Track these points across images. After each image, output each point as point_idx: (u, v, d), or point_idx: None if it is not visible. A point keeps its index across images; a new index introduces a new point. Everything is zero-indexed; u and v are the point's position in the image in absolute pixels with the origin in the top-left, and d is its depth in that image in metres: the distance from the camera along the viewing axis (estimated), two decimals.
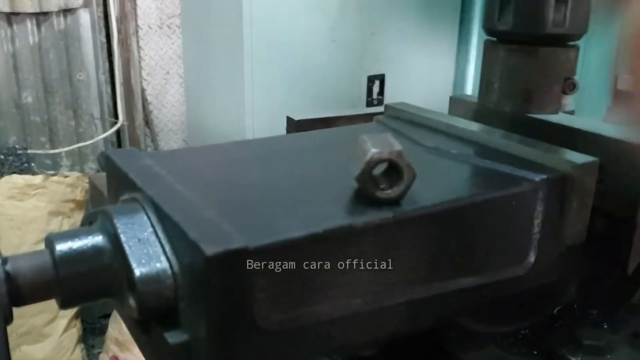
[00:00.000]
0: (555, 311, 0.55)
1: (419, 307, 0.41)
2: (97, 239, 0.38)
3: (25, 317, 2.13)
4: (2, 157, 2.21)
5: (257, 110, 2.04)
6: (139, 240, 0.37)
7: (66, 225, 2.15)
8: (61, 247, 0.37)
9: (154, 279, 0.36)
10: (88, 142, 2.36)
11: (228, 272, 0.33)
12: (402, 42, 2.17)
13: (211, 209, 0.38)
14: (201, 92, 2.37)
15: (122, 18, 2.29)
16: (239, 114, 2.05)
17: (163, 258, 0.37)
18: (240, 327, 0.34)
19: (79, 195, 2.21)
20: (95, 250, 0.38)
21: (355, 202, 0.41)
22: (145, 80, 2.42)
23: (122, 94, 2.37)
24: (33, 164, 2.26)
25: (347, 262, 0.38)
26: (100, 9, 2.29)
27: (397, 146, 0.39)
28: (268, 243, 0.35)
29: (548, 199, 0.45)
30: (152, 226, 0.38)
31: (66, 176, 2.23)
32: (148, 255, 0.37)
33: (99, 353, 2.34)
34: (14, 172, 2.18)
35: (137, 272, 0.36)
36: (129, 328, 0.43)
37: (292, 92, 2.05)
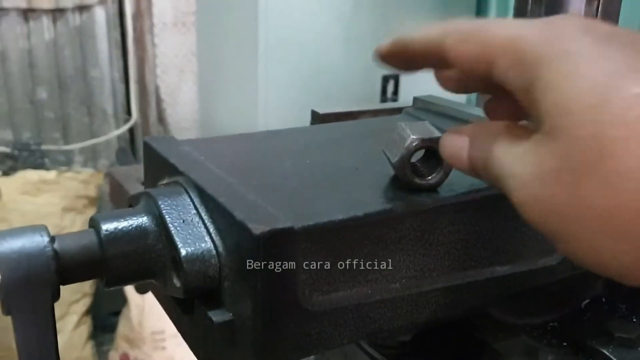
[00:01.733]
0: (583, 304, 0.56)
1: (455, 293, 0.42)
2: (142, 220, 0.39)
3: None
4: (16, 152, 2.23)
5: (270, 108, 2.05)
6: (184, 221, 0.38)
7: (79, 221, 2.16)
8: (107, 226, 0.38)
9: (199, 259, 0.36)
10: (101, 139, 2.37)
11: (274, 252, 0.34)
12: None
13: (253, 192, 0.38)
14: (214, 89, 2.38)
15: (138, 15, 2.31)
16: (252, 112, 2.06)
17: (207, 238, 0.37)
18: (283, 307, 0.35)
19: (92, 191, 2.22)
20: (140, 230, 0.38)
21: (393, 189, 0.41)
22: (159, 77, 2.43)
23: (136, 91, 2.38)
24: (47, 160, 2.28)
25: (386, 247, 0.39)
26: (116, 6, 2.30)
27: (436, 133, 0.40)
28: (312, 224, 0.35)
29: None
30: (195, 208, 0.39)
31: (79, 172, 2.24)
32: (193, 236, 0.37)
33: (108, 350, 2.35)
34: (27, 168, 2.19)
35: (183, 251, 0.36)
36: (168, 310, 0.44)
37: (305, 91, 2.06)
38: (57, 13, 2.20)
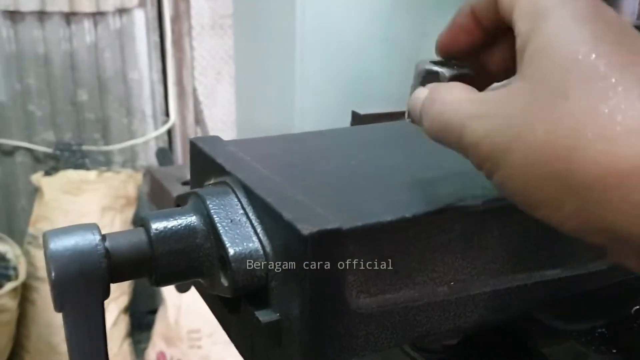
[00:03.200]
0: (633, 310, 0.54)
1: (504, 297, 0.41)
2: (191, 219, 0.39)
3: None
4: (58, 152, 2.28)
5: (307, 109, 2.05)
6: (231, 221, 0.38)
7: (118, 221, 2.20)
8: (157, 225, 0.38)
9: (246, 258, 0.36)
10: (140, 140, 2.41)
11: (322, 253, 0.34)
12: None
13: (300, 193, 0.38)
14: (251, 91, 2.40)
15: (176, 18, 2.34)
16: (289, 113, 2.07)
17: (255, 238, 0.37)
18: (331, 308, 0.35)
19: (131, 191, 2.26)
20: (189, 229, 0.39)
21: (442, 190, 0.41)
22: (196, 79, 2.46)
23: (174, 93, 2.42)
24: (87, 160, 2.32)
25: (435, 249, 0.38)
26: (155, 9, 2.34)
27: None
28: (360, 225, 0.35)
29: None
30: (243, 208, 0.39)
31: (119, 172, 2.29)
32: (241, 236, 0.37)
33: (145, 348, 2.38)
34: (69, 168, 2.24)
35: (231, 250, 0.36)
36: (213, 309, 0.44)
37: (343, 92, 2.06)
38: (97, 16, 2.24)
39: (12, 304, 2.04)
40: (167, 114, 2.45)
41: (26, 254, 2.15)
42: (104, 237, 0.37)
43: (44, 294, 2.14)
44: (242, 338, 0.40)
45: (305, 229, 0.33)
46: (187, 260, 0.38)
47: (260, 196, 0.38)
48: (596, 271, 0.45)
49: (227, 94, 2.52)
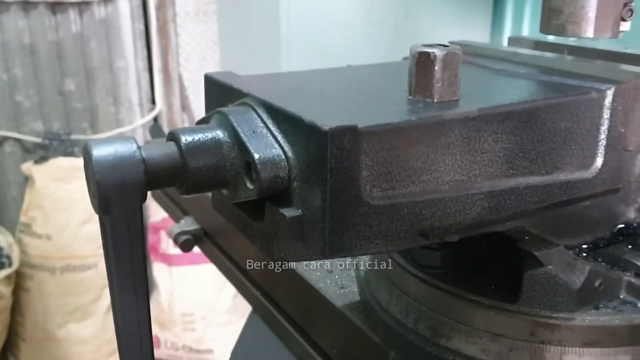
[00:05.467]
0: (616, 229, 0.59)
1: (498, 198, 0.46)
2: (216, 132, 0.43)
3: (71, 296, 2.21)
4: (47, 142, 2.30)
5: None
6: (254, 132, 0.42)
7: None
8: (186, 138, 0.42)
9: (270, 161, 0.41)
10: (127, 128, 2.43)
11: (341, 147, 0.38)
12: (436, 24, 2.21)
13: (315, 104, 0.42)
14: None
15: (160, 6, 2.36)
16: None
17: (276, 146, 0.42)
18: (348, 199, 0.39)
19: None
20: (215, 141, 0.43)
21: (442, 104, 0.45)
22: (182, 66, 2.48)
23: (160, 80, 2.44)
24: (76, 149, 2.34)
25: (437, 151, 0.43)
26: None
27: None
28: (373, 125, 0.40)
29: (614, 106, 0.49)
30: (263, 122, 0.43)
31: None
32: (263, 144, 0.42)
33: None
34: (58, 157, 2.26)
35: (256, 155, 0.41)
36: (236, 223, 0.48)
37: None
38: (83, 6, 2.26)
39: (6, 291, 2.06)
40: (153, 102, 2.48)
41: (19, 242, 2.17)
42: (139, 147, 0.41)
43: (38, 282, 2.16)
44: (267, 239, 0.44)
45: (325, 125, 0.38)
46: (215, 169, 0.42)
47: (280, 107, 0.42)
48: (582, 179, 0.50)
49: None
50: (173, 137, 0.43)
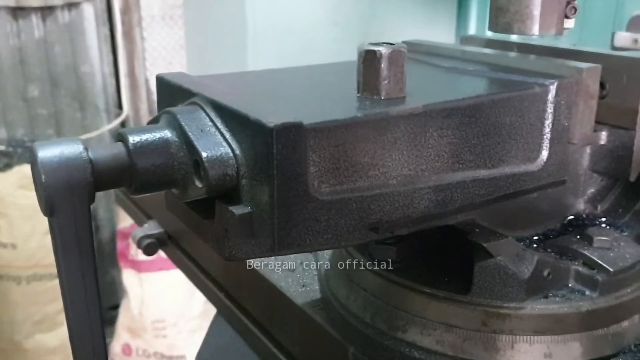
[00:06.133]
0: (566, 220, 0.61)
1: (445, 192, 0.47)
2: (165, 132, 0.43)
3: (38, 305, 2.17)
4: (11, 149, 2.26)
5: None
6: (202, 130, 0.43)
7: None
8: (134, 138, 0.42)
9: (218, 160, 0.41)
10: (94, 134, 2.41)
11: (286, 144, 0.38)
12: (402, 25, 2.23)
13: (263, 102, 0.43)
14: None
15: (126, 9, 2.34)
16: None
17: (224, 144, 0.42)
18: (296, 194, 0.40)
19: None
20: (163, 141, 0.43)
21: (389, 102, 0.46)
22: (148, 70, 2.47)
23: (127, 85, 2.42)
24: None
25: (384, 147, 0.44)
26: (104, 1, 2.34)
27: None
28: (318, 122, 0.40)
29: (557, 101, 0.50)
30: (212, 121, 0.43)
31: None
32: (211, 142, 0.42)
33: (109, 342, 2.38)
34: (22, 164, 2.23)
35: (204, 153, 0.41)
36: (188, 222, 0.48)
37: None
38: (46, 11, 2.23)
39: None
40: (120, 107, 2.45)
41: None
42: (86, 148, 0.41)
43: (3, 292, 2.12)
44: (217, 238, 0.44)
45: (270, 122, 0.38)
46: (163, 168, 0.42)
47: (227, 105, 0.42)
48: (528, 172, 0.51)
49: None
50: (121, 137, 0.43)
